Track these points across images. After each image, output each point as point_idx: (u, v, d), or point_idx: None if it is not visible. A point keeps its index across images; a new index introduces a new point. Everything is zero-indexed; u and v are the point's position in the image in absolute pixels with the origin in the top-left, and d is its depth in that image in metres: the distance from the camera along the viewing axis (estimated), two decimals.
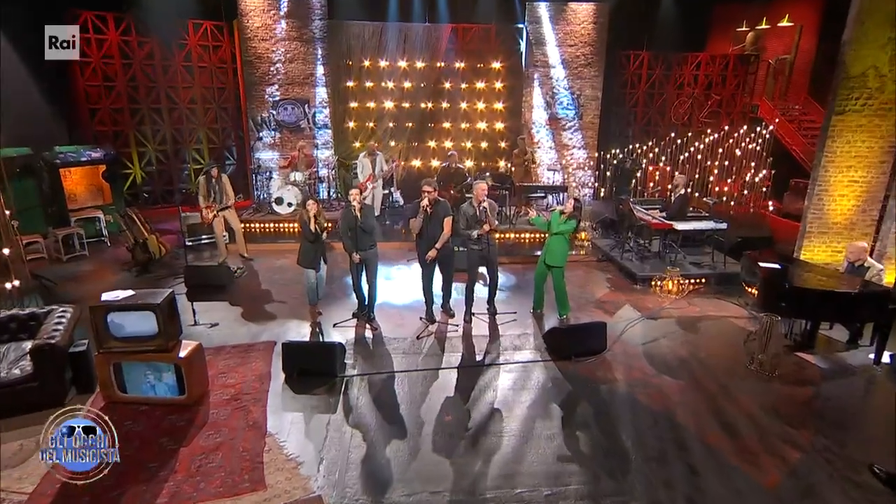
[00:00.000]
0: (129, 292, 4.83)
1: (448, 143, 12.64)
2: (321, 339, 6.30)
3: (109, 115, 11.47)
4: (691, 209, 8.56)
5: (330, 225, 6.46)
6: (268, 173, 11.88)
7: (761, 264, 5.93)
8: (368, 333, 6.48)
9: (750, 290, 7.33)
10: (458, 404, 5.06)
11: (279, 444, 4.41)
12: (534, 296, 7.08)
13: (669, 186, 9.92)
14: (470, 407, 5.02)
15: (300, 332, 6.50)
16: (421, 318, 6.74)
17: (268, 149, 12.16)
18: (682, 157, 10.98)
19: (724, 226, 8.03)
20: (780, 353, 5.56)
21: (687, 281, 7.62)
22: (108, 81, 11.31)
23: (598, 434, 4.62)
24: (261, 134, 12.00)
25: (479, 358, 5.96)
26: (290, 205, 10.43)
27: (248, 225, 10.06)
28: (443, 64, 12.17)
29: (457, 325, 6.66)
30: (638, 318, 6.92)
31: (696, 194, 10.23)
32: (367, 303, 6.78)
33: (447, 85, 12.35)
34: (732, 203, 9.27)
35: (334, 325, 6.62)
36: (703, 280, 7.96)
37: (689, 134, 11.66)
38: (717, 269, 8.12)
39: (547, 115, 12.56)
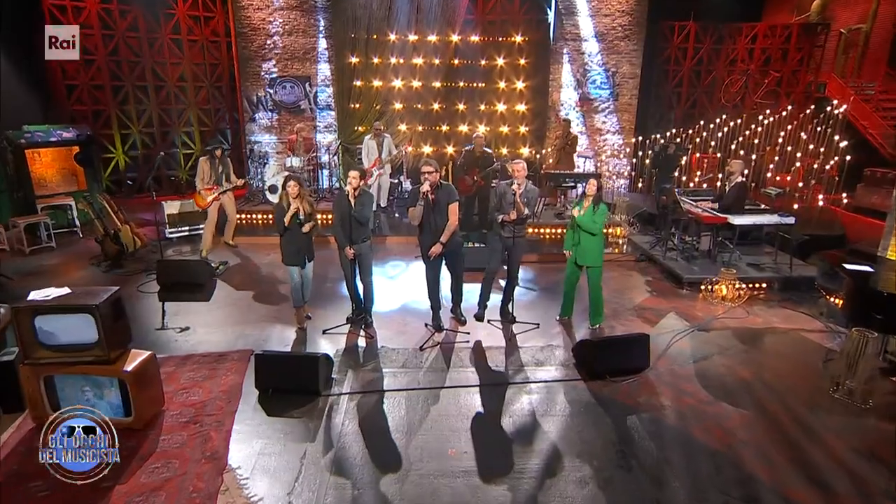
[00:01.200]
0: (65, 290, 4.22)
1: (463, 127, 11.94)
2: (305, 348, 5.67)
3: (89, 92, 11.01)
4: (748, 201, 7.71)
5: (308, 223, 5.75)
6: (263, 159, 11.30)
7: (848, 267, 5.10)
8: (362, 342, 5.82)
9: (828, 297, 6.48)
10: (465, 434, 4.36)
11: (239, 483, 3.76)
12: (563, 300, 6.35)
13: (722, 174, 9.09)
14: (480, 438, 4.31)
15: (284, 338, 5.87)
16: (426, 326, 6.07)
17: (264, 132, 11.61)
18: (734, 144, 10.11)
19: (791, 220, 7.18)
20: (873, 378, 4.74)
21: (745, 285, 6.79)
22: (87, 55, 10.81)
23: (643, 479, 3.87)
24: (255, 115, 11.44)
25: (492, 375, 5.24)
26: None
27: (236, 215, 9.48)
28: (459, 38, 11.45)
29: (468, 335, 5.96)
30: (686, 330, 6.13)
31: (753, 185, 9.34)
32: (362, 305, 6.15)
33: (463, 61, 11.63)
34: (796, 195, 8.39)
35: (324, 332, 5.98)
36: (765, 285, 7.12)
37: (744, 116, 10.73)
38: (782, 272, 7.27)
39: (577, 95, 11.77)
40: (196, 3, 11.43)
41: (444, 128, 11.98)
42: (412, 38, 11.38)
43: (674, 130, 11.27)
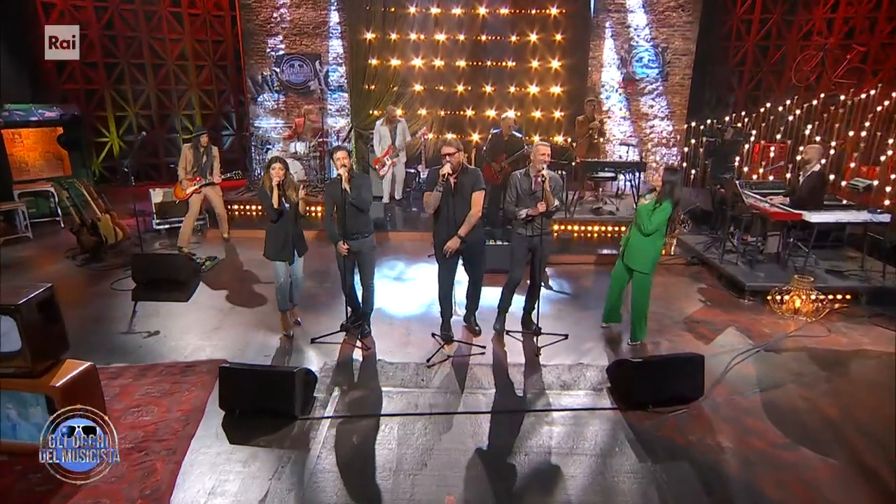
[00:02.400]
0: None
1: (491, 112, 11.26)
2: (290, 359, 5.10)
3: (81, 70, 10.74)
4: (827, 195, 6.83)
5: (303, 200, 5.24)
6: (266, 144, 10.83)
7: None
8: (358, 354, 5.22)
9: None
10: (468, 475, 3.70)
11: None
12: (606, 304, 5.65)
13: (793, 164, 8.20)
14: (486, 482, 3.65)
15: (265, 347, 5.31)
16: (434, 336, 5.42)
17: (269, 115, 11.15)
18: (807, 130, 9.15)
19: (885, 218, 6.27)
20: None
21: (824, 297, 5.93)
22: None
23: None
24: (260, 96, 10.99)
25: (507, 399, 4.57)
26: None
27: (231, 207, 9.03)
28: (487, 10, 10.78)
29: (482, 348, 5.30)
30: (749, 350, 5.34)
31: (831, 177, 8.38)
32: (360, 311, 5.56)
33: (491, 37, 10.95)
34: (887, 190, 7.43)
35: (312, 341, 5.41)
36: (850, 296, 6.24)
37: (822, 96, 9.72)
38: (872, 282, 6.37)
39: (621, 75, 10.97)
40: None
41: (469, 112, 11.33)
42: (434, 10, 10.77)
43: (733, 115, 10.36)
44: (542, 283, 5.60)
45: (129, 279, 6.68)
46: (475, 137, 11.10)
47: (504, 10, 10.77)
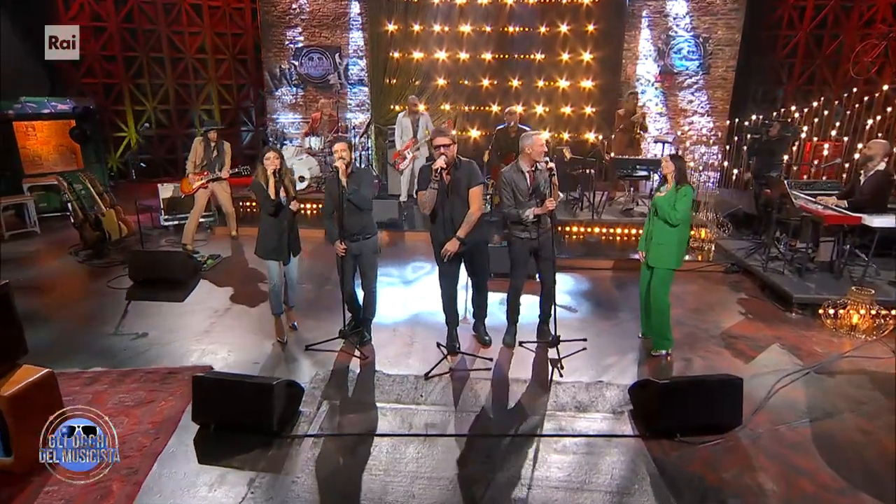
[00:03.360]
0: None
1: (518, 108, 10.72)
2: (282, 368, 4.72)
3: (100, 64, 10.68)
4: (893, 197, 6.11)
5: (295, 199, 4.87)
6: (282, 139, 10.55)
7: None
8: (354, 364, 4.81)
9: None
10: None
11: None
12: (641, 314, 5.15)
13: (849, 163, 7.45)
14: None
15: (257, 353, 4.95)
16: (438, 346, 4.96)
17: (287, 109, 10.90)
18: (867, 125, 8.35)
19: None
20: None
21: (887, 312, 5.26)
22: (97, 21, 10.51)
23: None
24: (278, 90, 10.74)
25: (514, 421, 4.07)
26: (301, 178, 9.01)
27: (243, 204, 8.77)
28: (512, 0, 10.29)
29: (490, 361, 4.82)
30: (797, 371, 4.71)
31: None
32: (360, 317, 5.15)
33: (519, 29, 10.46)
34: None
35: (307, 348, 5.02)
36: None
37: (885, 88, 8.88)
38: None
39: (658, 67, 10.36)
40: None
41: (495, 108, 10.85)
42: (460, 0, 10.34)
43: (782, 110, 9.61)
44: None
45: (127, 277, 6.44)
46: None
47: (532, 0, 10.27)
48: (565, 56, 10.45)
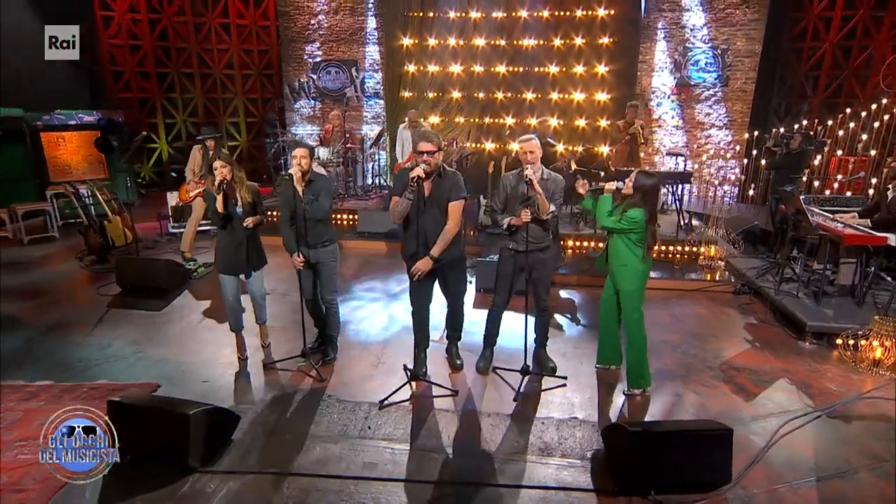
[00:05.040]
0: None
1: (532, 121, 9.96)
2: (235, 387, 4.09)
3: (135, 79, 10.46)
4: None
5: (251, 217, 4.20)
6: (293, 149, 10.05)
7: None
8: (307, 386, 4.12)
9: None
10: None
11: None
12: (599, 339, 4.29)
13: (877, 178, 6.35)
14: None
15: (213, 372, 4.34)
16: (405, 369, 4.22)
17: (305, 121, 10.42)
18: None
19: None
20: None
21: None
22: (134, 40, 10.30)
23: None
24: (297, 103, 10.27)
25: (467, 464, 3.30)
26: (334, 186, 8.43)
27: None
28: (528, 13, 9.52)
29: (454, 392, 4.05)
30: (806, 413, 3.78)
31: None
32: (326, 331, 4.49)
33: (532, 44, 9.67)
34: None
35: (265, 366, 4.37)
36: None
37: None
38: None
39: (674, 80, 9.38)
40: None
41: (510, 121, 10.07)
42: (475, 14, 9.65)
43: (805, 123, 8.50)
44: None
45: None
46: (514, 147, 9.81)
47: (547, 13, 9.48)
48: (580, 69, 9.60)
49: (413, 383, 4.06)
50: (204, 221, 7.05)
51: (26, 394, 3.99)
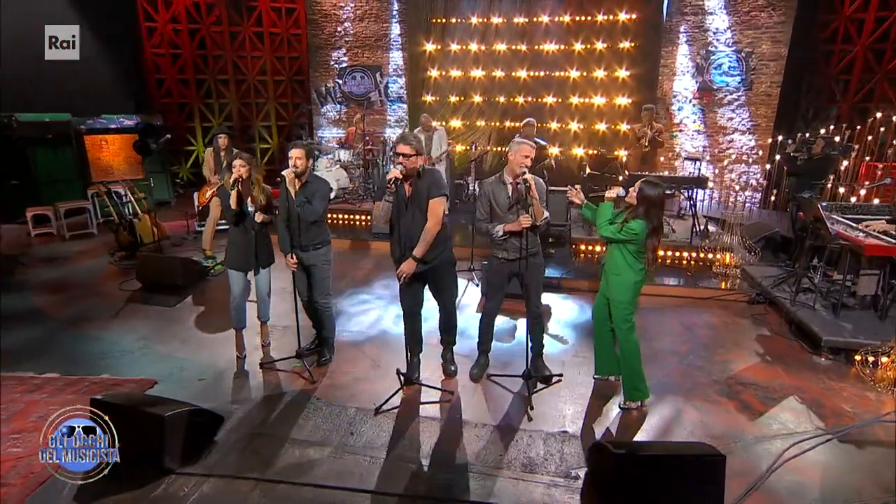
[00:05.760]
0: None
1: (554, 125, 9.61)
2: (231, 386, 3.95)
3: (176, 86, 10.57)
4: None
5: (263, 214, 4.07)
6: (320, 153, 9.94)
7: None
8: (297, 388, 3.94)
9: None
10: None
11: None
12: (595, 349, 3.97)
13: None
14: None
15: (209, 369, 4.21)
16: (398, 374, 3.98)
17: (331, 125, 10.33)
18: None
19: None
20: None
21: None
22: (174, 49, 10.40)
23: None
24: (323, 107, 10.18)
25: (439, 481, 3.04)
26: (330, 189, 8.29)
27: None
28: (549, 19, 9.16)
29: (450, 394, 3.82)
30: (815, 436, 3.37)
31: None
32: (322, 333, 4.31)
33: (553, 49, 9.29)
34: None
35: (261, 366, 4.22)
36: None
37: None
38: None
39: (696, 84, 8.85)
40: None
41: None
42: (496, 20, 9.34)
43: (832, 128, 7.86)
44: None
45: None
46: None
47: (567, 18, 9.09)
48: (601, 73, 9.17)
49: (404, 388, 3.83)
50: (221, 221, 6.98)
51: (31, 385, 3.94)
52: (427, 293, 3.92)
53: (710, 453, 2.68)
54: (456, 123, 9.81)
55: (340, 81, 10.01)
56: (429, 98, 9.80)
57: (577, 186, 3.86)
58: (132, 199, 7.15)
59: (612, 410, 3.68)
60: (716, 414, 3.62)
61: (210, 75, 10.66)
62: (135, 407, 3.05)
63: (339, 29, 9.79)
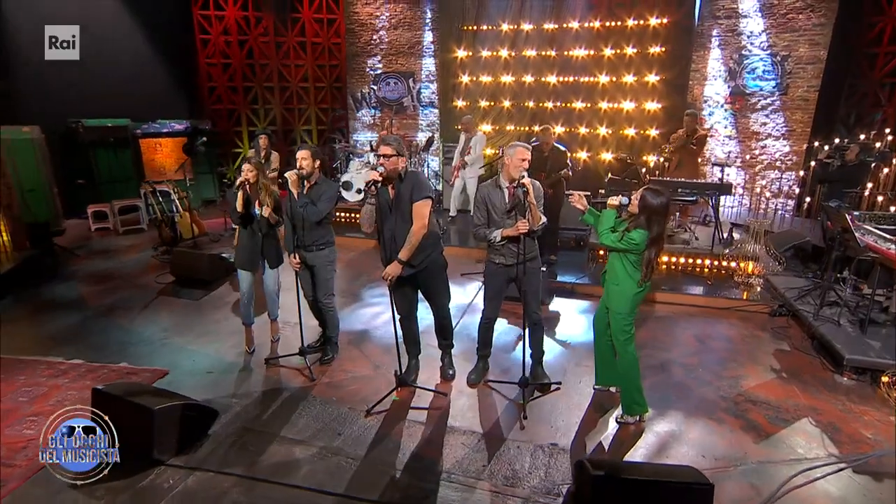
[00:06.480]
0: None
1: (583, 129, 9.21)
2: (236, 379, 3.90)
3: (226, 93, 10.80)
4: None
5: (268, 210, 4.00)
6: (349, 155, 9.91)
7: None
8: (297, 384, 3.84)
9: None
10: None
11: None
12: (595, 359, 3.68)
13: None
14: None
15: (218, 362, 4.18)
16: (396, 375, 3.82)
17: (366, 129, 10.28)
18: None
19: None
20: None
21: None
22: (225, 59, 10.63)
23: None
24: (359, 111, 10.15)
25: (423, 485, 2.85)
26: (359, 191, 8.26)
27: None
28: (578, 25, 8.77)
29: (444, 395, 3.64)
30: (827, 464, 2.97)
31: None
32: (326, 332, 4.21)
33: (582, 55, 8.89)
34: None
35: (266, 361, 4.15)
36: None
37: None
38: None
39: (728, 88, 8.26)
40: (320, 6, 10.52)
41: (559, 129, 9.35)
42: (527, 27, 9.04)
43: (873, 133, 7.14)
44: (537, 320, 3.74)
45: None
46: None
47: (597, 24, 8.68)
48: (630, 78, 8.71)
49: (397, 391, 3.66)
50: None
51: (58, 370, 4.02)
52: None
53: (698, 481, 2.37)
54: (486, 128, 9.57)
55: (375, 87, 9.96)
56: (460, 103, 9.60)
57: (580, 193, 3.60)
58: (174, 198, 7.30)
59: (609, 424, 3.39)
60: (719, 433, 3.27)
61: (257, 83, 10.83)
62: (130, 398, 3.01)
63: (374, 37, 9.74)
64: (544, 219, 3.44)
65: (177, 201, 7.28)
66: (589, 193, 5.27)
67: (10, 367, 4.05)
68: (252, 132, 11.09)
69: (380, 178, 3.24)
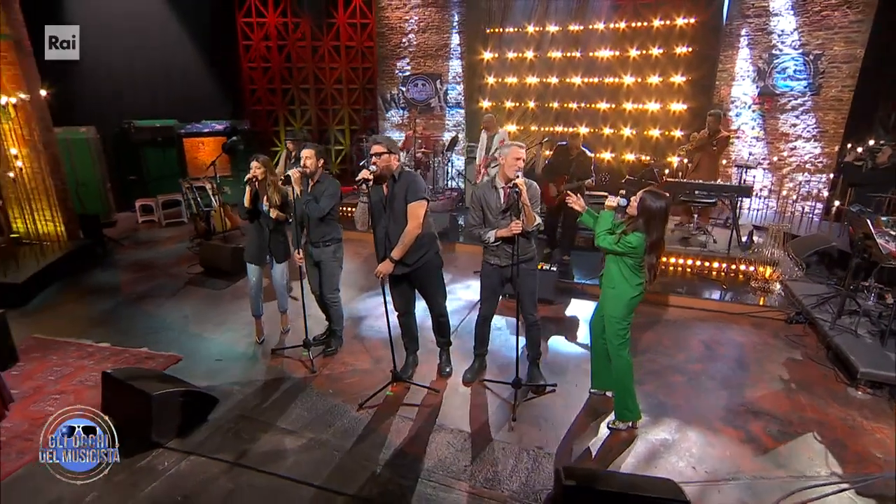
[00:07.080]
0: None
1: (607, 130, 8.87)
2: (241, 367, 3.92)
3: (266, 94, 11.00)
4: None
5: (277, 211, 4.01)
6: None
7: None
8: (298, 375, 3.82)
9: None
10: None
11: None
12: (591, 362, 3.47)
13: None
14: None
15: (228, 350, 4.21)
16: (392, 371, 3.74)
17: (395, 129, 10.24)
18: None
19: None
20: None
21: None
22: (265, 63, 10.81)
23: None
24: (388, 112, 10.12)
25: (402, 482, 2.76)
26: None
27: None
28: (603, 26, 8.43)
29: (436, 392, 3.54)
30: (830, 484, 2.70)
31: None
32: (331, 325, 4.18)
33: (608, 56, 8.54)
34: None
35: (272, 352, 4.16)
36: None
37: None
38: None
39: (756, 89, 7.74)
40: (354, 11, 10.54)
41: (583, 130, 9.05)
42: (553, 28, 8.76)
43: None
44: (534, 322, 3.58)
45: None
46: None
47: (623, 25, 8.31)
48: (655, 79, 8.30)
49: (391, 386, 3.58)
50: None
51: (85, 352, 4.15)
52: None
53: (674, 497, 2.18)
54: (511, 128, 9.35)
55: (404, 89, 9.90)
56: (485, 104, 9.42)
57: (577, 193, 3.41)
58: (209, 193, 7.47)
59: (600, 429, 3.20)
60: (714, 445, 3.03)
61: (294, 85, 10.97)
62: (132, 383, 3.05)
63: (403, 40, 9.67)
64: (539, 220, 3.27)
65: (211, 196, 7.43)
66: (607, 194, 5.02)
67: (46, 347, 4.22)
68: (289, 132, 11.27)
69: (370, 177, 3.16)
